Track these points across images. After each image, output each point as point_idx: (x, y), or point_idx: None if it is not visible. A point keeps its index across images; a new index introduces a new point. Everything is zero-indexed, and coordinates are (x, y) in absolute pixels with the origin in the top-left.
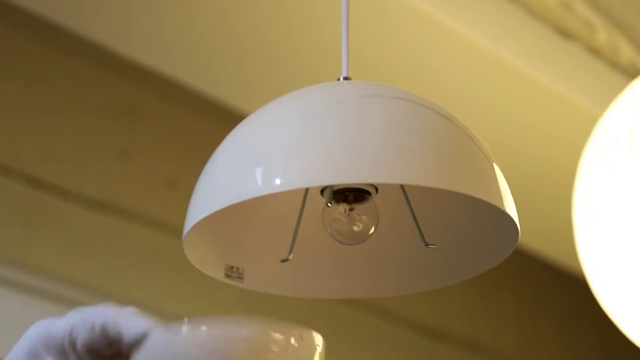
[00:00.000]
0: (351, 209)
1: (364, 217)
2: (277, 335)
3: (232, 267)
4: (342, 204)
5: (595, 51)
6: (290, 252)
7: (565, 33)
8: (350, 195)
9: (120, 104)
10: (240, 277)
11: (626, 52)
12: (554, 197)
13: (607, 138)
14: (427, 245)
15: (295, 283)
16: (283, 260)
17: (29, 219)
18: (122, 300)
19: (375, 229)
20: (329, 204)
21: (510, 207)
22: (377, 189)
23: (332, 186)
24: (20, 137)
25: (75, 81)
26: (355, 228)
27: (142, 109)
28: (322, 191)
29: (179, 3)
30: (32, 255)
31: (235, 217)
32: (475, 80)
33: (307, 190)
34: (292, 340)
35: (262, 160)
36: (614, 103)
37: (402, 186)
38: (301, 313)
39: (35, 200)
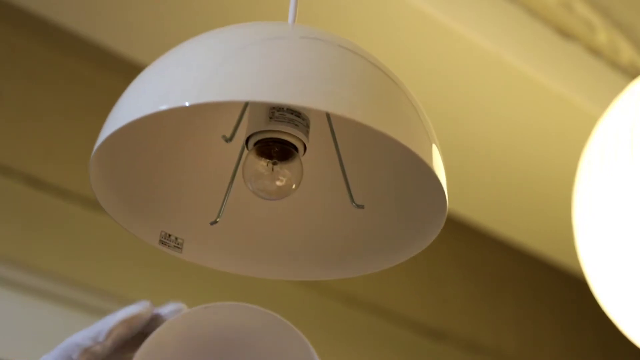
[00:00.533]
0: (274, 164)
1: (287, 171)
2: None
3: (169, 235)
4: (265, 158)
5: (595, 51)
6: (219, 214)
7: (565, 33)
8: (275, 149)
9: None
10: (178, 247)
11: (626, 52)
12: (554, 197)
13: (607, 138)
14: (356, 206)
15: (229, 257)
16: (212, 223)
17: (29, 219)
18: (122, 300)
19: (297, 186)
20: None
21: (437, 165)
22: (305, 148)
23: (257, 134)
24: (20, 137)
25: (75, 81)
26: (277, 183)
27: None
28: (247, 142)
29: (179, 3)
30: (32, 255)
31: (163, 180)
32: (475, 80)
33: (243, 146)
34: None
35: (172, 77)
36: (614, 103)
37: (334, 138)
38: (301, 313)
39: (35, 200)
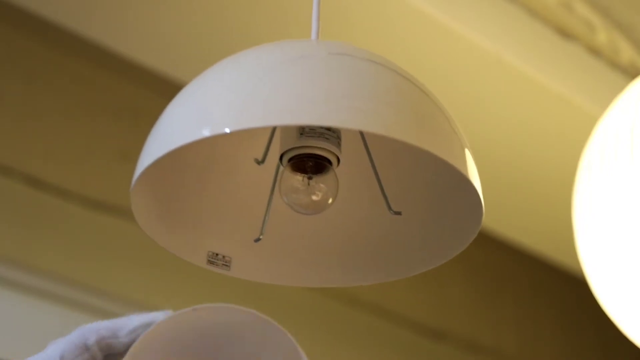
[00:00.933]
0: (310, 178)
1: (322, 185)
2: None
3: (217, 254)
4: (301, 173)
5: (595, 51)
6: (262, 231)
7: (565, 33)
8: (310, 163)
9: (121, 104)
10: (226, 265)
11: (626, 52)
12: (554, 197)
13: (607, 138)
14: (393, 212)
15: (267, 268)
16: (256, 240)
17: (29, 219)
18: (122, 300)
19: (334, 200)
20: (287, 171)
21: (473, 176)
22: (338, 160)
23: (291, 151)
24: (20, 137)
25: (75, 81)
26: (313, 197)
27: (142, 109)
28: (282, 158)
29: (180, 3)
30: (32, 255)
31: (202, 201)
32: (475, 80)
33: (279, 164)
34: None
35: (207, 105)
36: (614, 103)
37: (368, 152)
38: (302, 313)
39: (35, 200)
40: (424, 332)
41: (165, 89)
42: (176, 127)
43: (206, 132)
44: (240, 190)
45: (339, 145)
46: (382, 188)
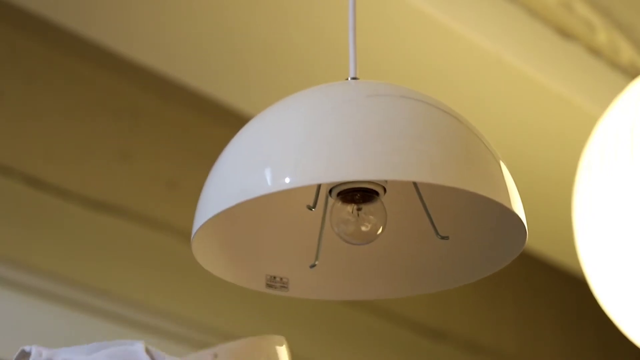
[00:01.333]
0: (359, 209)
1: (371, 217)
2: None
3: (274, 277)
4: (350, 204)
5: (595, 51)
6: (317, 257)
7: (565, 33)
8: (357, 195)
9: (121, 104)
10: (284, 286)
11: (626, 52)
12: (554, 197)
13: (607, 138)
14: (440, 237)
15: (320, 285)
16: (312, 266)
17: (29, 219)
18: (122, 300)
19: (383, 229)
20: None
21: (518, 207)
22: (385, 189)
23: (340, 185)
24: (20, 137)
25: (75, 81)
26: (363, 228)
27: (142, 109)
28: (330, 191)
29: (179, 3)
30: (32, 255)
31: (248, 226)
32: (476, 80)
33: (327, 194)
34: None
35: (270, 158)
36: (614, 103)
37: (414, 183)
38: (301, 313)
39: (35, 200)
40: (424, 332)
41: (165, 89)
42: (241, 180)
43: (273, 187)
44: (294, 221)
45: None
46: (430, 216)
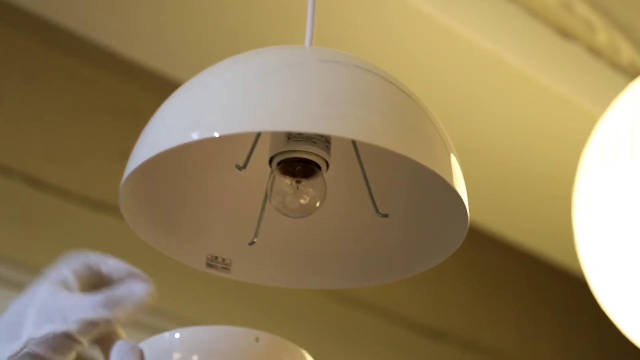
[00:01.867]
0: (298, 182)
1: (310, 190)
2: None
3: (216, 257)
4: (290, 176)
5: (595, 51)
6: (256, 234)
7: (565, 33)
8: (298, 167)
9: (121, 104)
10: (226, 268)
11: (626, 52)
12: (554, 197)
13: (607, 138)
14: (381, 215)
15: (263, 270)
16: (250, 244)
17: (29, 219)
18: None
19: (321, 204)
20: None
21: (460, 186)
22: (327, 165)
23: (280, 154)
24: (20, 137)
25: (75, 81)
26: (301, 201)
27: (142, 109)
28: (271, 161)
29: (179, 3)
30: (32, 255)
31: (198, 204)
32: (476, 80)
33: (272, 171)
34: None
35: (201, 108)
36: (614, 103)
37: (357, 155)
38: (301, 313)
39: (35, 200)
40: (424, 332)
41: (165, 89)
42: (165, 131)
43: (195, 136)
44: (237, 194)
45: (328, 149)
46: (371, 191)
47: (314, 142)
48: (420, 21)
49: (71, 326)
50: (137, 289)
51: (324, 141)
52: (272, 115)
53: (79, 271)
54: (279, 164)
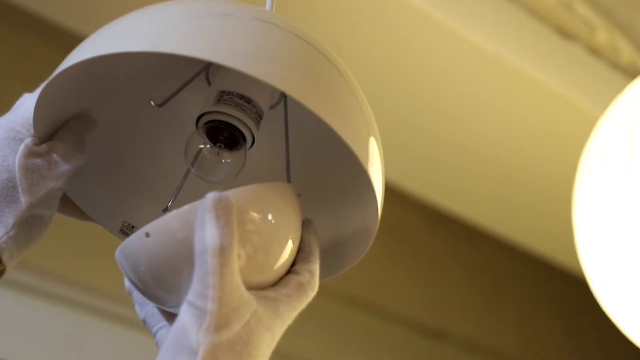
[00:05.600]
0: (220, 148)
1: (229, 160)
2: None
3: (132, 227)
4: (213, 143)
5: (595, 51)
6: (172, 201)
7: (565, 33)
8: (224, 135)
9: None
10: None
11: (626, 52)
12: (554, 197)
13: (607, 138)
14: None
15: None
16: (164, 210)
17: None
18: (122, 300)
19: (234, 176)
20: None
21: (374, 166)
22: (253, 141)
23: (207, 114)
24: None
25: None
26: (216, 166)
27: None
28: (198, 121)
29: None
30: (32, 255)
31: (122, 167)
32: (476, 79)
33: (196, 129)
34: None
35: (119, 32)
36: (614, 103)
37: (286, 136)
38: (300, 313)
39: None
40: (424, 332)
41: None
42: (89, 44)
43: (113, 49)
44: (164, 162)
45: (256, 122)
46: (289, 164)
47: (243, 110)
48: (420, 21)
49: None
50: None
51: (254, 113)
52: (180, 42)
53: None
54: (205, 124)
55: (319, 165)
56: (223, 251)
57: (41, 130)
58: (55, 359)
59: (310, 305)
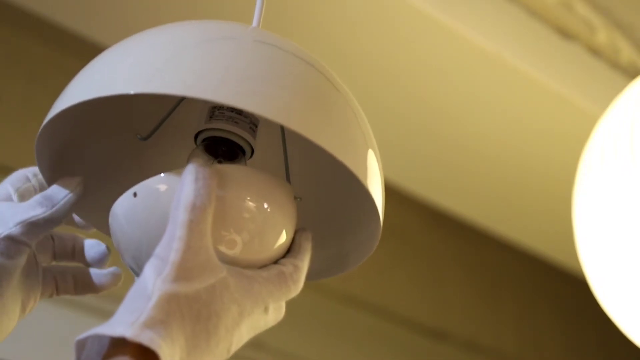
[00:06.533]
0: (219, 162)
1: None
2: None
3: None
4: (211, 156)
5: (595, 51)
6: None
7: (565, 33)
8: (222, 149)
9: None
10: None
11: (626, 52)
12: (554, 197)
13: (607, 138)
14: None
15: None
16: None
17: None
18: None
19: None
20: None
21: (375, 188)
22: (252, 151)
23: (206, 131)
24: (20, 137)
25: None
26: None
27: None
28: (196, 138)
29: (180, 3)
30: None
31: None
32: (475, 80)
33: (196, 147)
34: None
35: (115, 68)
36: (614, 103)
37: (284, 143)
38: (300, 313)
39: None
40: (424, 332)
41: None
42: (83, 85)
43: (109, 93)
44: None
45: (252, 132)
46: (288, 168)
47: (236, 122)
48: (420, 21)
49: (13, 230)
50: (70, 184)
51: (248, 123)
52: (176, 81)
53: (18, 184)
54: (203, 141)
55: (319, 177)
56: (195, 209)
57: (44, 166)
58: (55, 359)
59: (310, 305)
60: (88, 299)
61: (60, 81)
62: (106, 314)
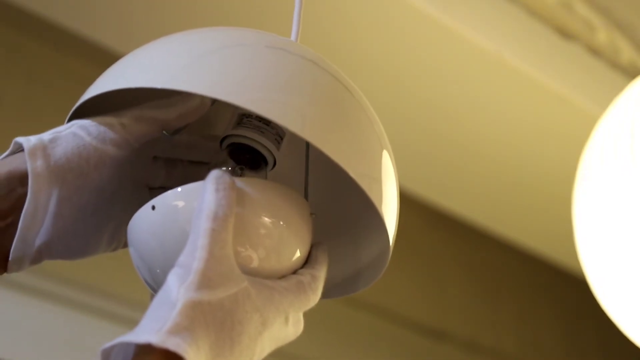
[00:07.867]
0: (241, 169)
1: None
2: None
3: None
4: (235, 163)
5: (595, 51)
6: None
7: (565, 33)
8: (247, 157)
9: None
10: None
11: (626, 52)
12: (554, 196)
13: (607, 138)
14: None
15: None
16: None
17: None
18: (122, 300)
19: None
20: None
21: (387, 207)
22: (275, 163)
23: (230, 137)
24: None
25: (75, 81)
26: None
27: None
28: (222, 143)
29: (180, 3)
30: None
31: None
32: (476, 80)
33: (221, 150)
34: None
35: (133, 65)
36: (614, 103)
37: (307, 157)
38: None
39: None
40: (424, 332)
41: None
42: (101, 81)
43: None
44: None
45: (277, 143)
46: (307, 183)
47: (262, 132)
48: (420, 21)
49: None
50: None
51: (274, 134)
52: (195, 80)
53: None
54: (227, 147)
55: (336, 189)
56: (217, 218)
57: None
58: (55, 359)
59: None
60: (88, 299)
61: (60, 81)
62: (107, 314)
